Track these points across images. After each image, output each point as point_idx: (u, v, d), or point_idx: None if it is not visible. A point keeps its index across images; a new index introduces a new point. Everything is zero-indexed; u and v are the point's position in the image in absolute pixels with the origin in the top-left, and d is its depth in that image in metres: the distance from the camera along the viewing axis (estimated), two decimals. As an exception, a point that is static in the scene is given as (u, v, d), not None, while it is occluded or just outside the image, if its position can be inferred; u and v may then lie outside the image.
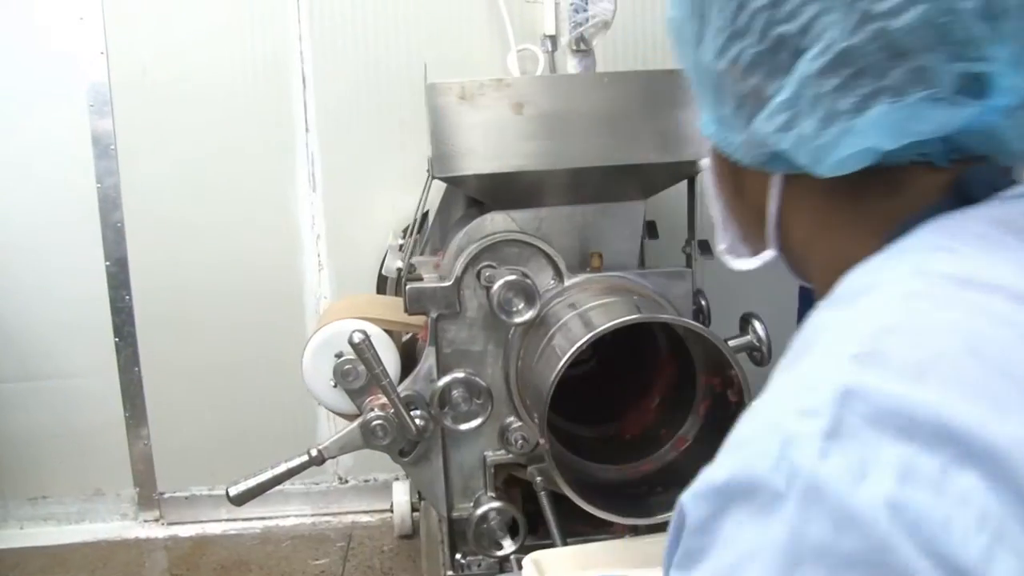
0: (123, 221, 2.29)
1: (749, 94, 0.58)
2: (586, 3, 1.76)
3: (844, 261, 0.56)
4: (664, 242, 1.76)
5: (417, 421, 1.48)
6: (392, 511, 2.28)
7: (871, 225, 0.57)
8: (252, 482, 1.51)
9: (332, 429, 2.43)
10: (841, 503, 0.38)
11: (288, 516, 2.42)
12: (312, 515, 2.44)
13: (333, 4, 2.27)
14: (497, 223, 1.56)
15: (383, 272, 1.49)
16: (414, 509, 2.26)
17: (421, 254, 1.83)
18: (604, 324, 1.30)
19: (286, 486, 2.43)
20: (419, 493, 2.03)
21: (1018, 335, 0.43)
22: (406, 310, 1.51)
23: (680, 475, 1.47)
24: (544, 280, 1.52)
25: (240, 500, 1.51)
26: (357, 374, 1.55)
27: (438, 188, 2.21)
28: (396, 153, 2.33)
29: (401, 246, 1.84)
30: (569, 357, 1.25)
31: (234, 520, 2.41)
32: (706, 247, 1.59)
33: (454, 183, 1.47)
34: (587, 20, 1.77)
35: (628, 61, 2.29)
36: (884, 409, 0.40)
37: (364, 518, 2.43)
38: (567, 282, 1.54)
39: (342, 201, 2.35)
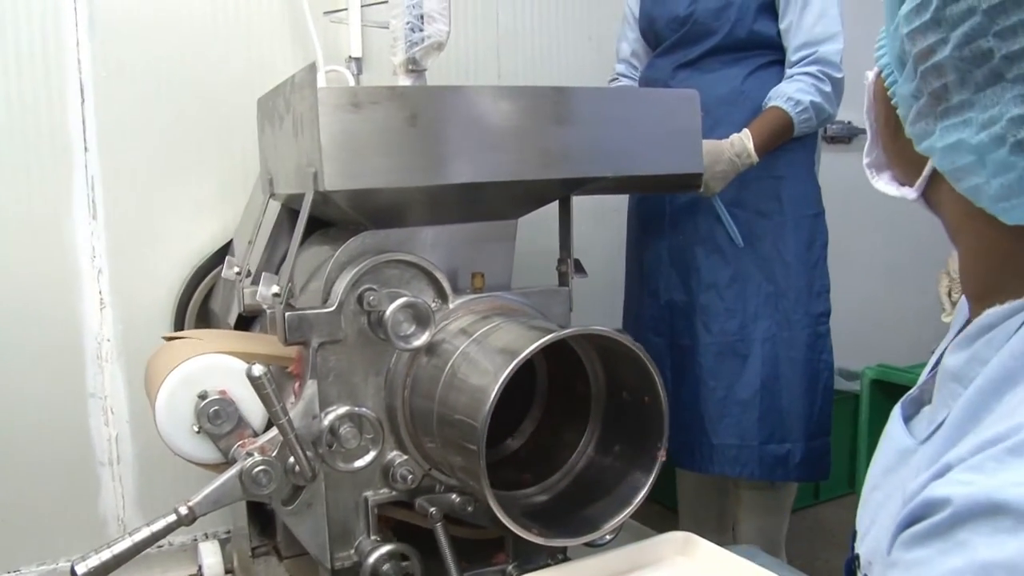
0: None
1: (930, 92, 0.52)
2: (422, 24, 1.73)
3: (994, 253, 0.56)
4: (532, 260, 1.75)
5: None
6: (200, 577, 2.03)
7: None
8: (106, 554, 1.27)
9: (117, 493, 2.13)
10: None
11: (66, 599, 2.06)
12: (96, 594, 2.09)
13: (116, 8, 2.01)
14: (369, 243, 1.46)
15: (258, 300, 1.32)
16: (228, 571, 2.03)
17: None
18: (525, 344, 1.25)
19: (58, 562, 2.11)
20: (253, 551, 1.82)
21: None
22: (284, 340, 1.36)
23: (588, 489, 1.45)
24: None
25: (92, 578, 1.26)
26: (227, 415, 1.37)
27: (238, 209, 2.04)
28: (191, 177, 2.12)
29: (238, 274, 1.65)
30: (507, 375, 1.19)
31: (-4, 612, 2.02)
32: (579, 266, 1.60)
33: (329, 200, 1.34)
34: (422, 40, 1.73)
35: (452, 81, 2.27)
36: None
37: (162, 589, 2.14)
38: (452, 304, 1.47)
39: (128, 230, 2.08)
